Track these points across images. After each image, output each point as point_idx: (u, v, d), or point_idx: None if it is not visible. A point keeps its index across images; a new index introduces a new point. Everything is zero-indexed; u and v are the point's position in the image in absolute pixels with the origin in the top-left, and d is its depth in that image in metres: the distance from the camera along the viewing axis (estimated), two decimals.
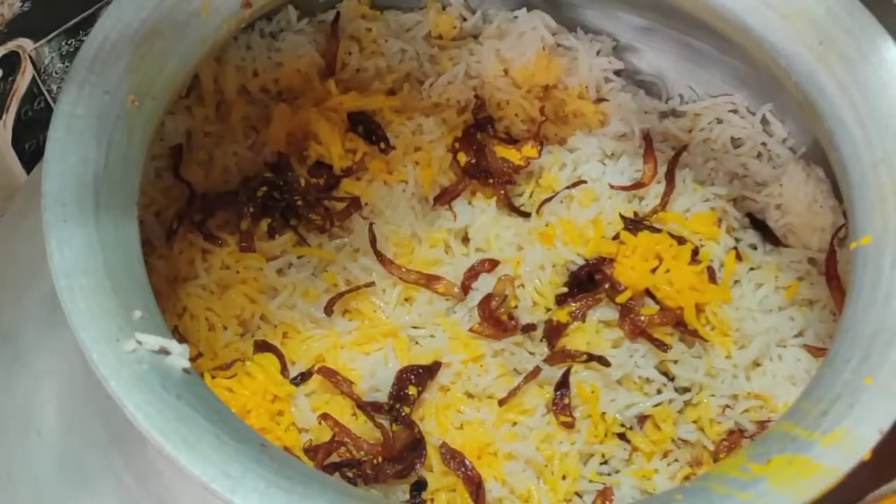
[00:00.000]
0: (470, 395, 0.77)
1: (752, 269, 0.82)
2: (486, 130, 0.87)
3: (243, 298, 0.78)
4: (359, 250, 0.82)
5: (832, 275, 0.78)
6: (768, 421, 0.75)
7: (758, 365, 0.78)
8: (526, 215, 0.85)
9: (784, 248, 0.82)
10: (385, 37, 0.89)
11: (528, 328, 0.79)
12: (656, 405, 0.76)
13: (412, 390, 0.75)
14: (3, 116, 0.84)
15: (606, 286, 0.80)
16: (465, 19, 0.91)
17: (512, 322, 0.79)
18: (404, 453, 0.71)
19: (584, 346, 0.79)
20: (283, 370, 0.75)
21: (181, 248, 0.79)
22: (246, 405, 0.72)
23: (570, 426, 0.75)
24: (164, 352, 0.53)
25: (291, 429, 0.73)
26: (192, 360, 0.55)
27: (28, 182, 0.83)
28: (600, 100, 0.89)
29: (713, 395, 0.77)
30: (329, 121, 0.84)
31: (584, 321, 0.80)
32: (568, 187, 0.85)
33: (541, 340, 0.80)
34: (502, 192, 0.85)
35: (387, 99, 0.87)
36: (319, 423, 0.73)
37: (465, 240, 0.84)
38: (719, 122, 0.89)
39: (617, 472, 0.74)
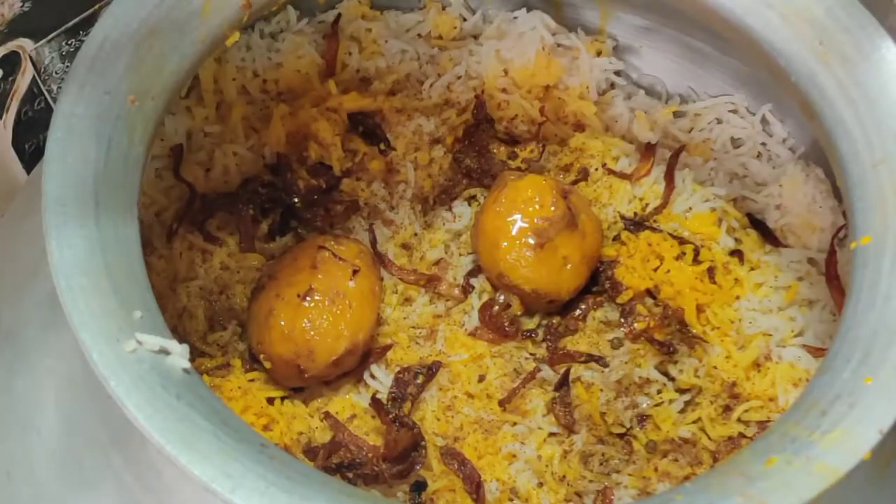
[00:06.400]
0: (470, 395, 0.77)
1: (752, 269, 0.82)
2: (486, 131, 0.87)
3: (243, 299, 0.78)
4: None
5: (832, 275, 0.78)
6: (768, 421, 0.75)
7: (758, 365, 0.78)
8: None
9: (784, 248, 0.82)
10: (385, 37, 0.89)
11: (529, 334, 0.79)
12: (656, 405, 0.76)
13: (412, 390, 0.75)
14: (3, 116, 0.84)
15: (607, 287, 0.80)
16: (465, 19, 0.91)
17: (513, 328, 0.79)
18: (404, 453, 0.71)
19: (584, 346, 0.79)
20: None
21: (181, 248, 0.79)
22: (246, 405, 0.72)
23: (570, 426, 0.75)
24: (164, 352, 0.53)
25: (291, 429, 0.73)
26: (192, 360, 0.55)
27: (28, 182, 0.83)
28: (600, 100, 0.89)
29: (713, 396, 0.77)
30: (329, 121, 0.84)
31: (584, 321, 0.80)
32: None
33: (542, 341, 0.80)
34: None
35: (387, 99, 0.87)
36: (320, 423, 0.74)
37: (466, 240, 0.84)
38: (719, 122, 0.89)
39: (617, 472, 0.74)
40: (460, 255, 0.84)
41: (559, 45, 0.90)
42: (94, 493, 0.60)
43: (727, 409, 0.76)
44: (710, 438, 0.75)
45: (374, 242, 0.82)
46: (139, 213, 0.59)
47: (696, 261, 0.80)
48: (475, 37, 0.91)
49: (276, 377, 0.75)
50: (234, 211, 0.81)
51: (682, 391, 0.78)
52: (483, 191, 0.85)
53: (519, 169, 0.85)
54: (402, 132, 0.86)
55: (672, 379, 0.78)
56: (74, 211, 0.56)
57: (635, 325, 0.79)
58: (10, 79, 0.83)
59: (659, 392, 0.77)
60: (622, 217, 0.83)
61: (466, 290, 0.82)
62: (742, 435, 0.75)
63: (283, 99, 0.86)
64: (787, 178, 0.84)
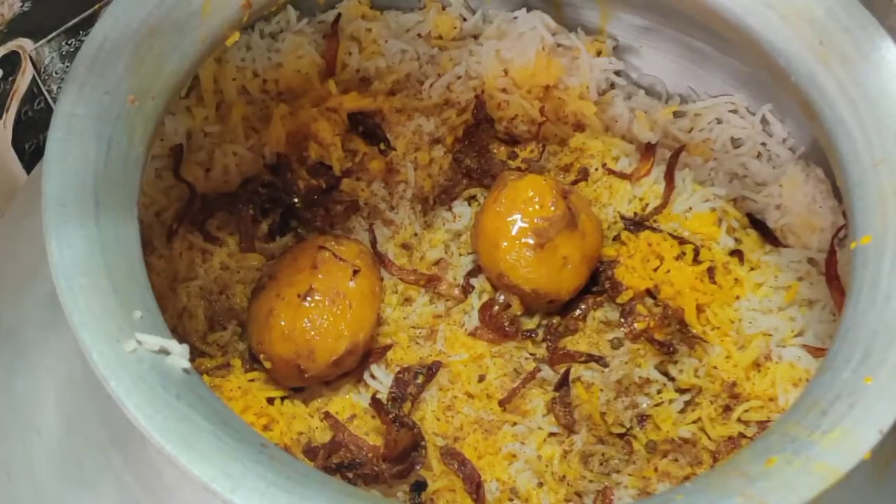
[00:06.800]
0: (470, 395, 0.77)
1: (752, 269, 0.82)
2: (486, 131, 0.87)
3: (243, 299, 0.78)
4: None
5: (832, 275, 0.78)
6: (768, 421, 0.75)
7: (758, 365, 0.78)
8: None
9: (784, 248, 0.82)
10: (385, 37, 0.89)
11: (529, 334, 0.79)
12: (656, 405, 0.76)
13: (412, 390, 0.75)
14: (3, 116, 0.84)
15: (607, 287, 0.80)
16: (465, 19, 0.91)
17: (513, 328, 0.79)
18: (404, 453, 0.71)
19: (584, 346, 0.79)
20: None
21: (181, 248, 0.79)
22: (246, 405, 0.72)
23: (570, 426, 0.75)
24: (164, 352, 0.53)
25: (291, 429, 0.73)
26: (192, 360, 0.55)
27: (28, 182, 0.83)
28: (600, 100, 0.89)
29: (713, 396, 0.77)
30: (329, 121, 0.84)
31: (584, 321, 0.80)
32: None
33: (542, 341, 0.80)
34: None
35: (387, 99, 0.87)
36: (320, 423, 0.74)
37: (466, 240, 0.84)
38: (719, 122, 0.89)
39: (617, 472, 0.74)
40: (460, 255, 0.84)
41: (559, 45, 0.90)
42: (94, 493, 0.60)
43: (727, 409, 0.76)
44: (710, 438, 0.75)
45: (374, 242, 0.82)
46: (139, 213, 0.59)
47: (696, 261, 0.80)
48: (475, 37, 0.91)
49: (276, 377, 0.75)
50: (234, 211, 0.81)
51: (682, 391, 0.78)
52: (483, 191, 0.85)
53: (519, 169, 0.85)
54: (402, 132, 0.86)
55: (672, 379, 0.78)
56: (74, 211, 0.56)
57: (635, 325, 0.79)
58: (10, 79, 0.83)
59: (659, 392, 0.77)
60: (622, 217, 0.83)
61: (466, 290, 0.82)
62: (742, 435, 0.75)
63: (283, 99, 0.86)
64: (787, 178, 0.84)
